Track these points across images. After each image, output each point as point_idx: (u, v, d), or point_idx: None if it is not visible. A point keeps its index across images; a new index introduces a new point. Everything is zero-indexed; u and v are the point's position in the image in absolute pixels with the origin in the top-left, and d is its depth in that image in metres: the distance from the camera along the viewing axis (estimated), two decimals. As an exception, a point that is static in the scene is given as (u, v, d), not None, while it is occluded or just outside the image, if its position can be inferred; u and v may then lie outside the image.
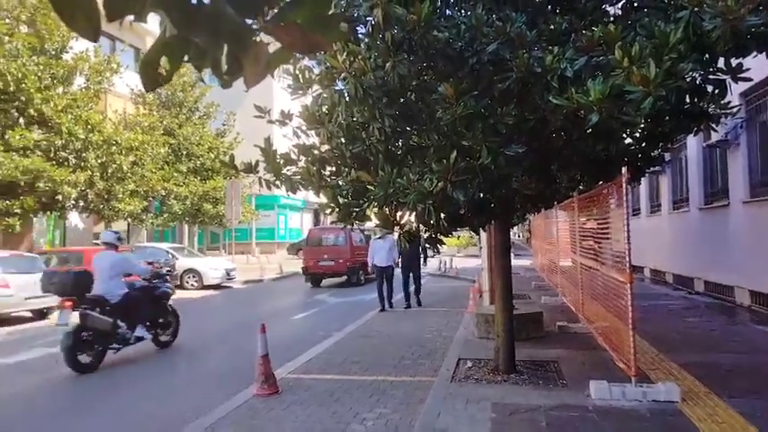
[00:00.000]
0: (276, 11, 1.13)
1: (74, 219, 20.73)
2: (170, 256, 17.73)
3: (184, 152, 23.97)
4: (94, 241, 22.48)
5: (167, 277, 8.81)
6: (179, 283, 17.51)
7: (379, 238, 12.30)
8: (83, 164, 16.50)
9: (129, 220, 20.61)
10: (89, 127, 16.56)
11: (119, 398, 6.25)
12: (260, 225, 33.78)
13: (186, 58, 1.00)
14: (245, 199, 25.07)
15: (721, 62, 4.22)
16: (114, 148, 17.30)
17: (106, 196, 17.83)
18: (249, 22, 1.05)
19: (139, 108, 22.45)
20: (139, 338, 7.93)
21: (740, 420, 4.40)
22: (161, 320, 8.47)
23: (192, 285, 17.85)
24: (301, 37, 1.18)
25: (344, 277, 17.79)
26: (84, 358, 7.17)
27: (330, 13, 1.35)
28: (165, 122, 22.79)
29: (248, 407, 5.43)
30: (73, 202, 16.75)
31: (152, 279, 8.34)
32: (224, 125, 26.47)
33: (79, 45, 16.33)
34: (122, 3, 0.84)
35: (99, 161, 16.96)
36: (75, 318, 7.45)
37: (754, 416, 4.46)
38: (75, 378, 7.09)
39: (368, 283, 16.89)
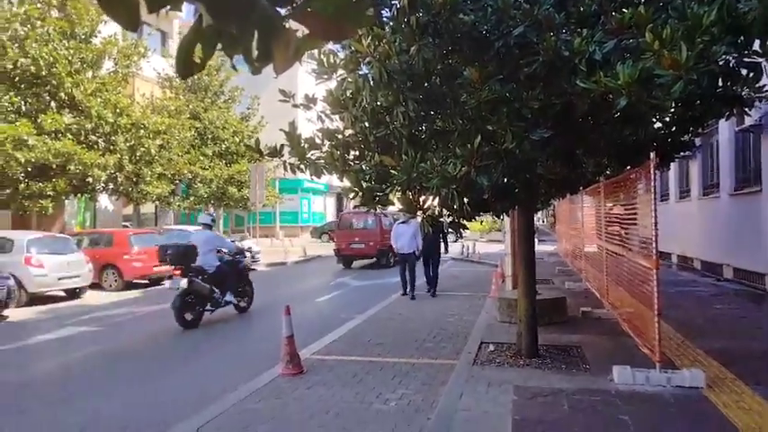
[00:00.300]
0: (302, -2, 1.15)
1: (104, 201, 21.21)
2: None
3: (210, 136, 24.25)
4: (123, 223, 23.03)
5: (245, 254, 10.76)
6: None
7: (403, 222, 11.82)
8: (112, 147, 16.83)
9: (157, 202, 21.01)
10: (118, 111, 16.84)
11: (145, 377, 6.45)
12: (284, 209, 34.09)
13: (219, 45, 1.03)
14: (269, 182, 25.30)
15: (756, 44, 4.09)
16: (142, 131, 17.59)
17: (135, 179, 18.18)
18: (279, 9, 1.07)
19: (166, 92, 22.74)
20: (228, 302, 9.51)
21: (767, 407, 4.35)
22: (240, 289, 9.98)
23: (218, 267, 18.15)
24: (328, 24, 1.20)
25: (374, 259, 18.41)
26: (188, 316, 8.73)
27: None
28: (191, 106, 23.06)
29: (274, 386, 5.56)
30: (103, 184, 17.12)
31: (235, 255, 10.01)
32: (248, 109, 26.66)
33: (107, 29, 16.55)
34: (163, -4, 0.87)
35: (127, 144, 17.27)
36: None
37: (781, 404, 4.41)
38: (101, 357, 7.37)
39: (396, 265, 17.04)
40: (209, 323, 9.39)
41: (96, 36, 16.77)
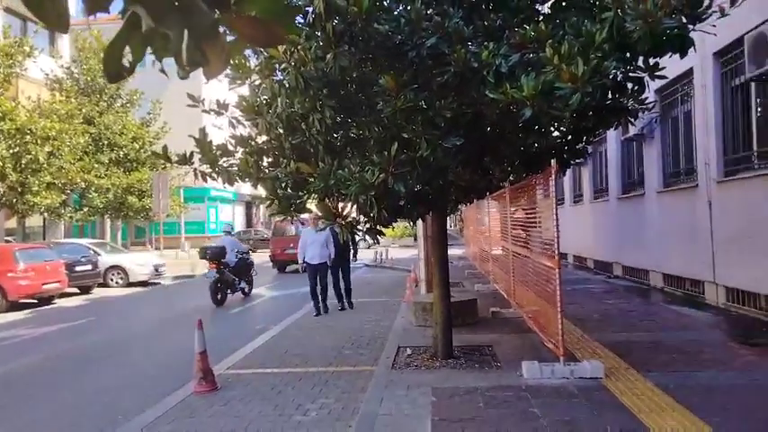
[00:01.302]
0: (234, 2, 1.13)
1: (-18, 213, 19.20)
2: (92, 252, 16.82)
3: (106, 142, 22.74)
4: (6, 237, 20.95)
5: (250, 252, 14.22)
6: (102, 280, 16.67)
7: (321, 229, 9.47)
8: (-8, 154, 15.31)
9: (46, 214, 19.30)
10: (-1, 114, 15.35)
11: (36, 406, 5.92)
12: (189, 218, 32.66)
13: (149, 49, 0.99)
14: (173, 191, 24.16)
15: (641, 61, 4.52)
16: (28, 137, 16.12)
17: (20, 189, 16.61)
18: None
19: (56, 95, 21.02)
20: (241, 288, 13.06)
21: (657, 392, 4.79)
22: (247, 279, 13.38)
23: (117, 283, 17.04)
24: (260, 29, 1.18)
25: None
26: (219, 296, 12.13)
27: (286, 4, 1.36)
28: (84, 110, 21.50)
29: (186, 405, 5.29)
30: (-19, 195, 15.53)
31: (244, 254, 13.22)
32: (149, 114, 25.29)
33: (-15, 25, 15.08)
34: (104, -1, 0.82)
35: (11, 151, 15.77)
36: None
37: (668, 387, 4.87)
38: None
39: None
40: (116, 341, 8.78)
41: (-28, 32, 15.22)
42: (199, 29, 0.95)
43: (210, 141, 5.26)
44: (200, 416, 4.98)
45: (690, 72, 9.08)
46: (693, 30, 4.19)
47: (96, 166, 21.76)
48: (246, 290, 13.41)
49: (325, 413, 4.92)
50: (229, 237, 13.36)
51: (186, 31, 0.97)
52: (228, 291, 12.52)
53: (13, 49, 16.31)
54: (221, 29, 1.09)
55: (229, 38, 1.21)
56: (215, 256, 12.23)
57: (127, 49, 1.07)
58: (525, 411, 4.51)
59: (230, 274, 12.43)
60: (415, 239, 14.19)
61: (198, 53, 0.98)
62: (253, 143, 5.39)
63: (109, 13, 0.92)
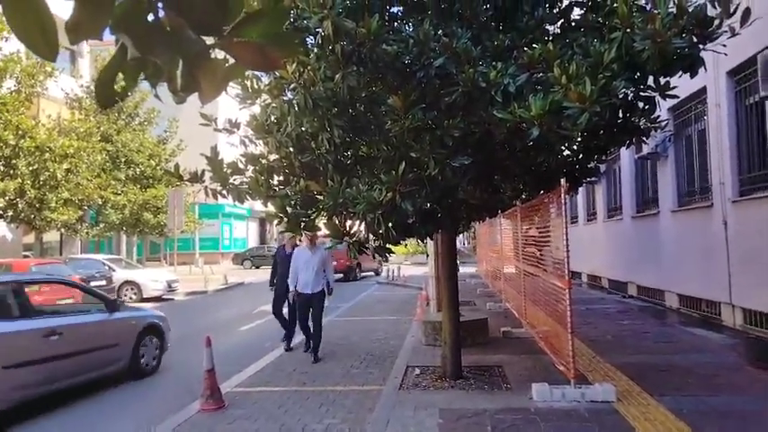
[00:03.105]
0: (230, 27, 1.15)
1: (1, 229, 19.51)
2: (106, 268, 17.01)
3: (123, 159, 23.09)
4: (24, 253, 21.26)
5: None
6: (117, 296, 16.81)
7: (329, 248, 7.45)
8: (12, 171, 15.59)
9: (63, 230, 19.57)
10: (20, 132, 15.66)
11: (51, 417, 5.94)
12: (203, 234, 32.94)
13: (142, 75, 1.01)
14: (188, 208, 24.39)
15: (651, 80, 4.51)
16: (47, 154, 16.40)
17: (38, 205, 16.87)
18: (205, 38, 1.06)
19: (75, 113, 21.44)
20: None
21: (670, 417, 4.68)
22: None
23: (131, 299, 17.15)
24: (258, 54, 1.20)
25: (341, 275, 21.06)
26: None
27: (286, 28, 1.37)
28: (102, 128, 21.88)
29: (192, 423, 5.28)
30: (1, 211, 15.78)
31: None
32: (166, 132, 25.68)
33: (9, 46, 15.48)
34: (85, 27, 0.84)
35: (30, 168, 16.06)
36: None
37: (681, 412, 4.75)
38: None
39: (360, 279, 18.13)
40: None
41: (-5, 53, 15.63)
42: (188, 56, 0.96)
43: (222, 160, 5.31)
44: (206, 434, 4.95)
45: (703, 91, 9.02)
46: (704, 49, 4.17)
47: (113, 182, 22.07)
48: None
49: (331, 434, 4.87)
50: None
51: (178, 59, 0.98)
52: None
53: (35, 69, 16.69)
54: (214, 53, 1.11)
55: (229, 61, 1.23)
56: None
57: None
58: (535, 435, 4.42)
59: None
60: (428, 257, 14.27)
61: (188, 78, 1.00)
62: (264, 161, 5.44)
63: (102, 40, 0.94)
